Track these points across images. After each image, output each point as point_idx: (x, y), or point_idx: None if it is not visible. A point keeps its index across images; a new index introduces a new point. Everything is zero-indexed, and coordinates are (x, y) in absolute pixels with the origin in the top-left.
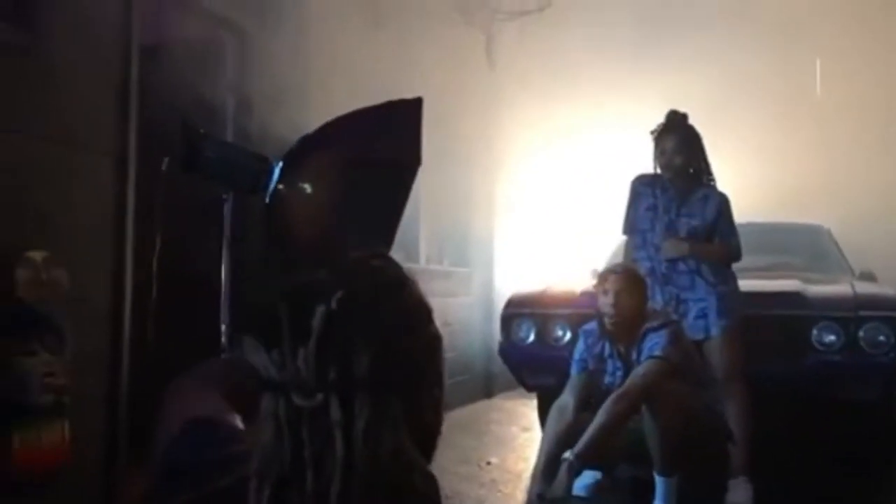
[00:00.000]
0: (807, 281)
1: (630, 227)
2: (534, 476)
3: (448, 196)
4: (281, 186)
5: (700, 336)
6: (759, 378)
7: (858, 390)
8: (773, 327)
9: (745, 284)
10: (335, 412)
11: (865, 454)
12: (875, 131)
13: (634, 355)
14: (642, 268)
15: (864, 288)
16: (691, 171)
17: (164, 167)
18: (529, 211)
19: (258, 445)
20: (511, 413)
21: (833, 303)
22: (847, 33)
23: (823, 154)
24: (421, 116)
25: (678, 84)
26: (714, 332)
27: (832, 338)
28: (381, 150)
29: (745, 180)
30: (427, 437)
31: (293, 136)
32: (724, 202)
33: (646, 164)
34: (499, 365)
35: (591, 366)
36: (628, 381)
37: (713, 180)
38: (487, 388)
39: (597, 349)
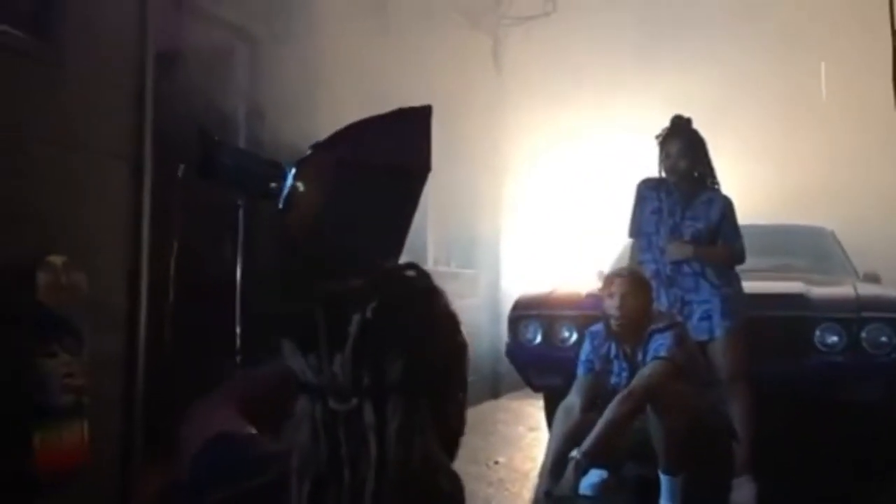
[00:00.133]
0: (810, 282)
1: (635, 229)
2: (541, 475)
3: (455, 198)
4: (293, 193)
5: (704, 337)
6: (762, 378)
7: (861, 391)
8: (777, 328)
9: (749, 286)
10: (369, 416)
11: (868, 454)
12: (880, 133)
13: (640, 356)
14: (647, 270)
15: (866, 289)
16: (696, 174)
17: (180, 174)
18: (535, 212)
19: (296, 445)
20: (518, 413)
21: (835, 304)
22: (851, 36)
23: (828, 156)
24: (430, 124)
25: (682, 86)
26: (718, 333)
27: (835, 339)
28: (391, 158)
29: (749, 182)
30: (451, 439)
31: (304, 143)
32: (727, 205)
33: (650, 165)
34: (506, 365)
35: (597, 366)
36: (634, 382)
37: (717, 184)
38: (494, 389)
39: (603, 350)
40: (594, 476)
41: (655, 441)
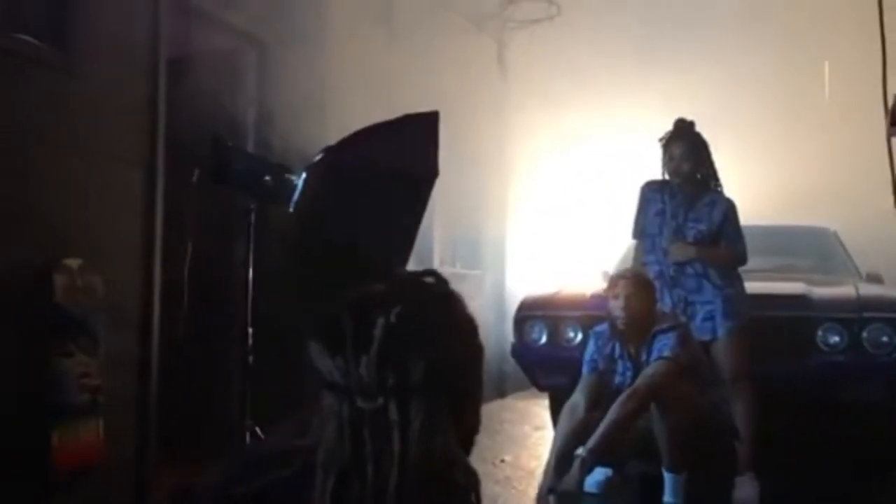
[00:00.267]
0: (812, 283)
1: (639, 231)
2: (546, 472)
3: (460, 200)
4: (304, 197)
5: (707, 337)
6: (764, 378)
7: (862, 390)
8: (779, 328)
9: (752, 287)
10: (393, 414)
11: (869, 454)
12: (883, 133)
13: (644, 356)
14: (651, 271)
15: (868, 290)
16: (699, 177)
17: (194, 178)
18: (540, 213)
19: (322, 441)
20: (524, 412)
21: (837, 304)
22: (855, 36)
23: (831, 156)
24: (437, 129)
25: (684, 87)
26: (721, 333)
27: (836, 339)
28: (399, 163)
29: (752, 183)
30: (468, 435)
31: (313, 148)
32: (730, 207)
33: (654, 167)
34: (511, 365)
35: (601, 366)
36: (638, 381)
37: (720, 186)
38: (500, 388)
39: (607, 350)
40: (599, 474)
41: (659, 439)
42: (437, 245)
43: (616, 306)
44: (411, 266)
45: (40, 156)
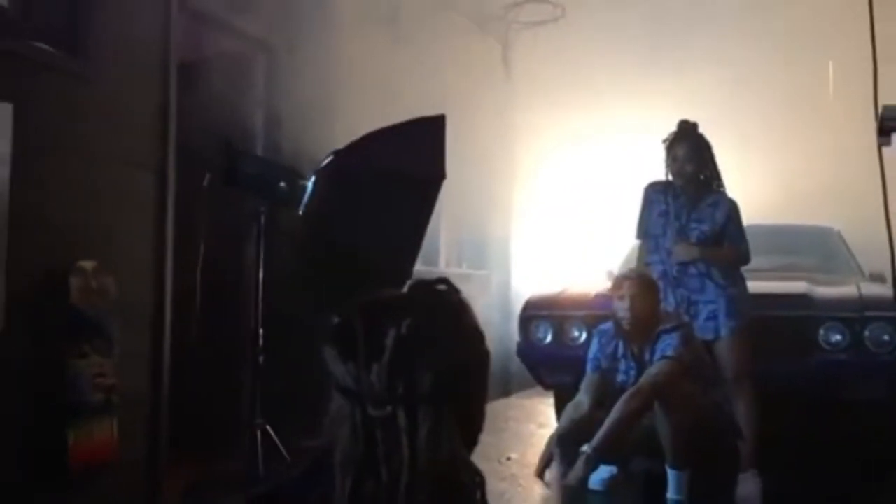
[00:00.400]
0: (814, 282)
1: (643, 231)
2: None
3: (466, 200)
4: (313, 200)
5: (710, 336)
6: (767, 377)
7: (864, 389)
8: (781, 328)
9: (754, 286)
10: (402, 421)
11: (871, 452)
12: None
13: (647, 355)
14: (655, 271)
15: (869, 289)
16: (702, 178)
17: (205, 182)
18: (545, 214)
19: (338, 442)
20: (529, 410)
21: (839, 304)
22: (859, 35)
23: (835, 155)
24: (444, 133)
25: (688, 86)
26: (723, 332)
27: (838, 338)
28: (407, 167)
29: (756, 182)
30: (473, 435)
31: (321, 149)
32: (733, 208)
33: (657, 167)
34: (517, 364)
35: (604, 365)
36: (641, 380)
37: (723, 187)
38: (506, 387)
39: (610, 349)
40: (604, 471)
41: (662, 437)
42: (442, 245)
43: (621, 307)
44: (417, 266)
45: (54, 160)
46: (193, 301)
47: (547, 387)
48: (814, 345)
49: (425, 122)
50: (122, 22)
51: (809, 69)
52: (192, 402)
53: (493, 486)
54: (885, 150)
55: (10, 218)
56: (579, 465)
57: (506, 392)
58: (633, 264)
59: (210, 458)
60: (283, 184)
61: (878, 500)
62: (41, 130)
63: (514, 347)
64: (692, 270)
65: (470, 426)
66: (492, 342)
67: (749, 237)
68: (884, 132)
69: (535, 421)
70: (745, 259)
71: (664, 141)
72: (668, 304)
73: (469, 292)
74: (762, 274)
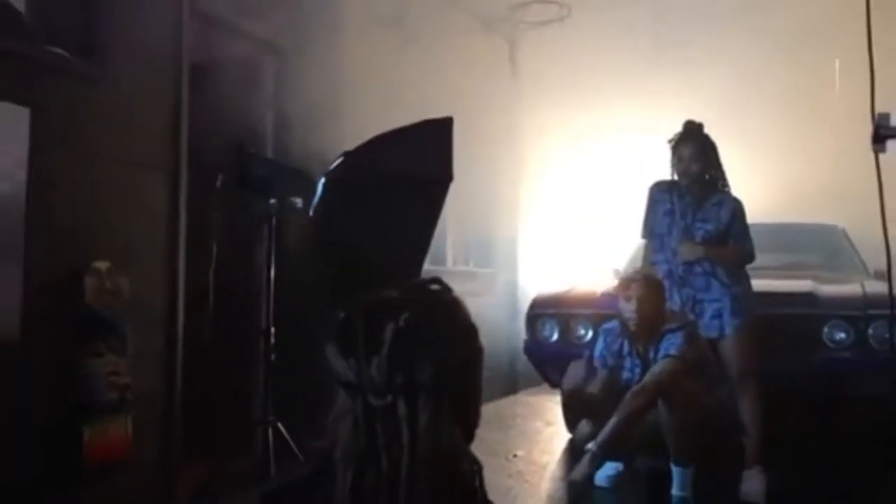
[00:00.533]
0: (819, 280)
1: (648, 231)
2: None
3: (473, 199)
4: (322, 202)
5: (715, 335)
6: (772, 374)
7: (868, 386)
8: (786, 326)
9: (759, 284)
10: (402, 410)
11: (875, 449)
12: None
13: (652, 354)
14: (660, 270)
15: (873, 287)
16: (707, 177)
17: (218, 184)
18: (552, 212)
19: (339, 436)
20: (536, 408)
21: (843, 302)
22: (864, 34)
23: (842, 153)
24: (451, 134)
25: (694, 85)
26: (728, 331)
27: (842, 335)
28: (415, 169)
29: (762, 180)
30: (469, 429)
31: (330, 151)
32: (738, 207)
33: (663, 167)
34: (523, 362)
35: (609, 362)
36: (646, 378)
37: (727, 186)
38: (512, 384)
39: (615, 347)
40: (610, 468)
41: (667, 434)
42: (450, 244)
43: (628, 308)
44: (424, 264)
45: (69, 163)
46: (206, 301)
47: (553, 384)
48: (818, 343)
49: (433, 124)
50: (134, 26)
51: (813, 68)
52: (204, 401)
53: (499, 483)
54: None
55: (26, 220)
56: (584, 461)
57: (513, 389)
58: (639, 263)
59: (222, 456)
60: (292, 185)
61: (882, 497)
62: (56, 133)
63: (520, 345)
64: (697, 269)
65: (466, 419)
66: (498, 340)
67: (754, 235)
68: (878, 139)
69: (542, 418)
70: (750, 258)
71: (670, 141)
72: (674, 302)
73: (475, 291)
74: (767, 272)
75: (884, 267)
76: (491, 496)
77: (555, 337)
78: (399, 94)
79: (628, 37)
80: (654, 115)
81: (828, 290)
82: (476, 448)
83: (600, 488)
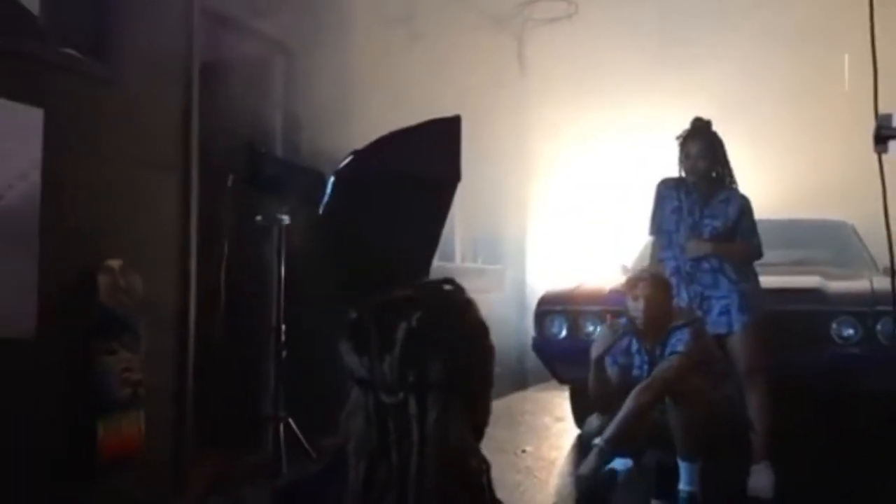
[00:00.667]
0: (827, 277)
1: (656, 228)
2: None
3: (482, 196)
4: (332, 200)
5: (723, 331)
6: (780, 371)
7: (876, 382)
8: (794, 322)
9: (767, 281)
10: (413, 407)
11: (883, 444)
12: None
13: (659, 351)
14: (668, 267)
15: (882, 283)
16: (714, 174)
17: (229, 184)
18: (560, 209)
19: (352, 431)
20: (544, 404)
21: (851, 298)
22: (877, 27)
23: (852, 149)
24: (460, 134)
25: (701, 82)
26: (736, 327)
27: (850, 331)
28: (423, 168)
29: (771, 176)
30: (479, 427)
31: (340, 150)
32: (745, 204)
33: (669, 163)
34: (532, 358)
35: (619, 360)
36: (653, 374)
37: (735, 183)
38: (521, 381)
39: (624, 344)
40: (618, 464)
41: (674, 430)
42: (458, 241)
43: (635, 307)
44: (433, 262)
45: (81, 163)
46: (217, 298)
47: (562, 381)
48: (826, 339)
49: (441, 123)
50: (145, 27)
51: (821, 64)
52: (216, 398)
53: (509, 478)
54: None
55: (40, 219)
56: (592, 456)
57: (521, 386)
58: (647, 260)
59: (234, 452)
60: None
61: (890, 493)
62: (69, 134)
63: (529, 342)
64: (705, 266)
65: (476, 417)
66: (507, 337)
67: (762, 232)
68: (880, 140)
69: (551, 414)
70: (758, 254)
71: (678, 138)
72: (682, 299)
73: (484, 287)
74: (775, 268)
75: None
76: (500, 491)
77: (563, 333)
78: (407, 93)
79: (636, 34)
80: (661, 112)
81: (836, 286)
82: (485, 444)
83: (608, 483)
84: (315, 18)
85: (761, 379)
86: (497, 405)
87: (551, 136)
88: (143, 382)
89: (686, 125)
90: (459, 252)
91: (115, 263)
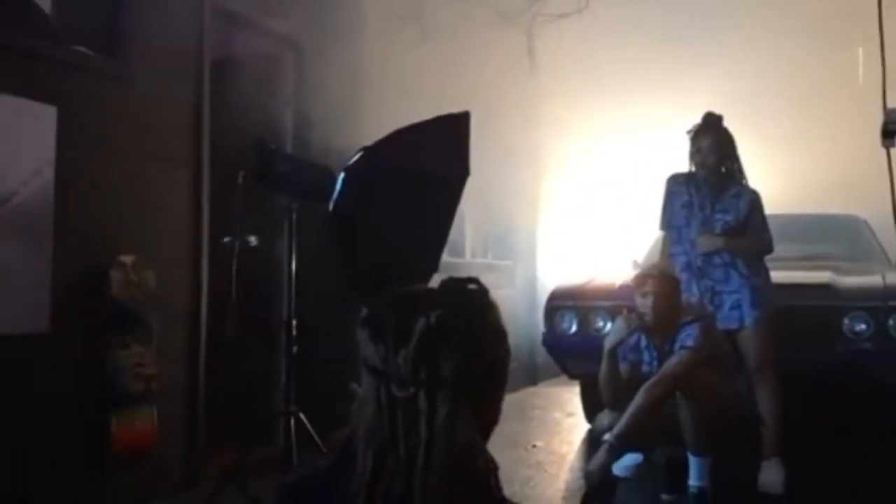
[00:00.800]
0: (839, 272)
1: (666, 223)
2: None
3: (492, 191)
4: (342, 196)
5: (734, 326)
6: (792, 366)
7: (888, 377)
8: (806, 317)
9: (779, 276)
10: (422, 403)
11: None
12: None
13: (668, 347)
14: (678, 262)
15: (894, 278)
16: (723, 169)
17: (239, 180)
18: (571, 205)
19: (363, 420)
20: (555, 399)
21: (863, 293)
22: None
23: (866, 143)
24: (469, 129)
25: (712, 76)
26: (747, 322)
27: (862, 327)
28: (432, 164)
29: (785, 171)
30: (488, 426)
31: (350, 146)
32: (756, 199)
33: (681, 159)
34: (543, 354)
35: (630, 356)
36: (662, 369)
37: (745, 179)
38: (532, 376)
39: (633, 340)
40: (629, 459)
41: (684, 425)
42: (468, 236)
43: (645, 304)
44: (442, 256)
45: (94, 159)
46: (228, 293)
47: (572, 376)
48: (838, 334)
49: (450, 119)
50: (157, 24)
51: (833, 58)
52: (228, 392)
53: (519, 473)
54: None
55: (54, 215)
56: (602, 452)
57: (532, 381)
58: (656, 256)
59: (246, 446)
60: (313, 180)
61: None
62: (81, 132)
63: (539, 337)
64: (716, 261)
65: (485, 418)
66: (518, 332)
67: (773, 227)
68: (888, 135)
69: (562, 409)
70: (769, 248)
71: (689, 132)
72: (692, 294)
73: (494, 283)
74: (787, 263)
75: None
76: (510, 486)
77: (573, 329)
78: (418, 89)
79: (646, 30)
80: (671, 109)
81: (848, 281)
82: (496, 439)
83: (619, 478)
84: (325, 16)
85: (771, 374)
86: (508, 400)
87: (562, 131)
88: (156, 377)
89: (696, 121)
90: (470, 248)
91: (127, 259)
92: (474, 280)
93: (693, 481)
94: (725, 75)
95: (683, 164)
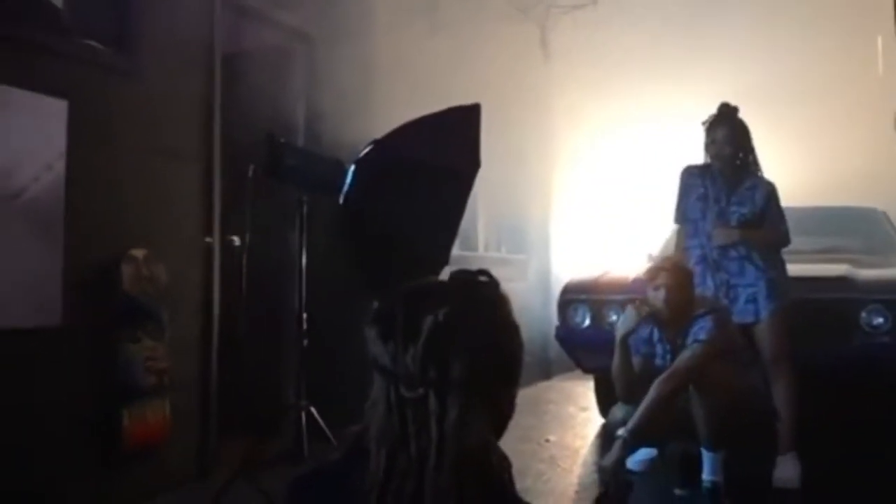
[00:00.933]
0: (857, 264)
1: (681, 216)
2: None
3: (505, 184)
4: (353, 189)
5: (750, 319)
6: (809, 360)
7: None
8: (823, 310)
9: (796, 269)
10: (432, 404)
11: None
12: None
13: (681, 340)
14: (693, 255)
15: None
16: (738, 161)
17: (250, 174)
18: (584, 198)
19: (374, 419)
20: (568, 393)
21: (881, 286)
22: None
23: (886, 135)
24: (479, 122)
25: (728, 67)
26: (763, 315)
27: (880, 320)
28: (443, 156)
29: (801, 162)
30: (501, 423)
31: (361, 140)
32: (772, 190)
33: (696, 150)
34: (556, 348)
35: (643, 350)
36: (675, 363)
37: (760, 171)
38: (545, 370)
39: (645, 333)
40: (643, 454)
41: (697, 419)
42: (481, 230)
43: (657, 297)
44: (456, 250)
45: (105, 153)
46: (240, 287)
47: (586, 370)
48: (856, 327)
49: (460, 111)
50: (167, 18)
51: (857, 45)
52: (239, 386)
53: (533, 467)
54: None
55: (65, 209)
56: (616, 447)
57: (546, 375)
58: (671, 249)
59: (257, 440)
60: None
61: None
62: (92, 126)
63: (552, 331)
64: (732, 254)
65: (499, 414)
66: (531, 326)
67: (791, 219)
68: None
69: (576, 404)
70: (786, 241)
71: (704, 122)
72: (707, 287)
73: (508, 277)
74: (803, 256)
75: None
76: (524, 480)
77: (587, 323)
78: (430, 81)
79: (659, 21)
80: (686, 100)
81: (865, 273)
82: (510, 433)
83: (633, 472)
84: (336, 8)
85: (787, 368)
86: (521, 394)
87: (575, 124)
88: (168, 370)
89: (711, 112)
90: (483, 241)
91: (138, 253)
92: (485, 272)
93: (707, 476)
94: (741, 66)
95: (700, 156)
